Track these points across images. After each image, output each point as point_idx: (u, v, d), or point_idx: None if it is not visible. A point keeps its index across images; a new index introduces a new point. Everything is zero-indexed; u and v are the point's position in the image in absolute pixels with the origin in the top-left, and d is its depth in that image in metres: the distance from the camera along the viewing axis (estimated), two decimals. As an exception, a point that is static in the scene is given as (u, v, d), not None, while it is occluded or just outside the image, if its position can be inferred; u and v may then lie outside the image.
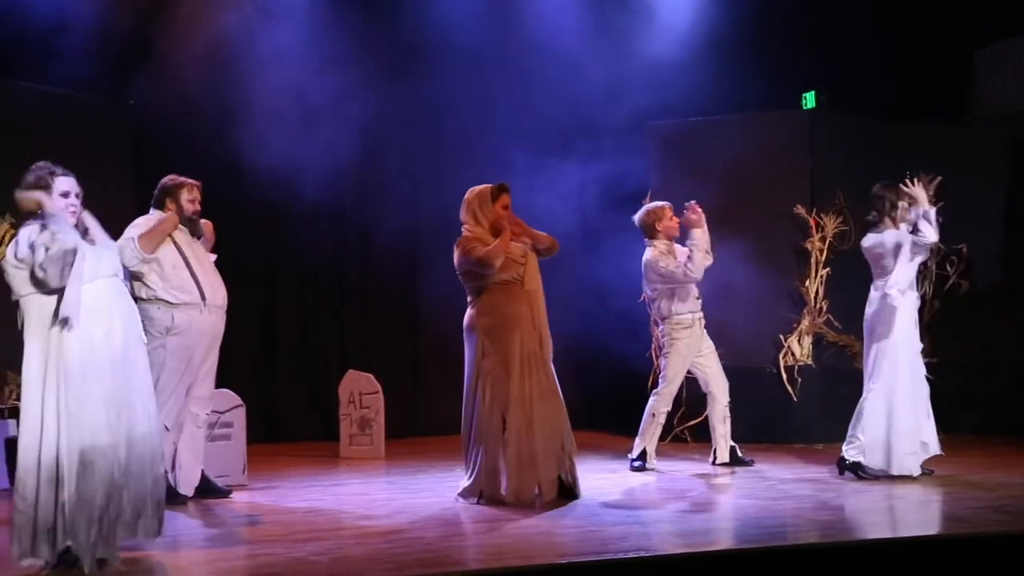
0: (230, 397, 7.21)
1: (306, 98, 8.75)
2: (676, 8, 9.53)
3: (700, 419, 8.59)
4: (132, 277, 6.30)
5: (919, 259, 6.99)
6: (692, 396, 8.32)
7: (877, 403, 6.89)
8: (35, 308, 4.70)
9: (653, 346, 9.18)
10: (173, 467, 6.46)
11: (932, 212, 6.91)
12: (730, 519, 6.03)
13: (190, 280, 6.48)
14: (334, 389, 8.82)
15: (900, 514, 6.09)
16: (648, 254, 7.58)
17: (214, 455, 6.88)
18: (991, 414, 9.07)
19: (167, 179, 6.67)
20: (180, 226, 6.58)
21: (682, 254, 7.52)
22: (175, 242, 6.54)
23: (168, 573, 4.87)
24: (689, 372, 7.72)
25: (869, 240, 7.03)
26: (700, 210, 7.33)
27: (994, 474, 7.10)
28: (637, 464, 7.54)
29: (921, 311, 7.15)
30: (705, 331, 7.66)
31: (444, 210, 9.32)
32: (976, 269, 8.92)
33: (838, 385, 8.50)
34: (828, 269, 8.97)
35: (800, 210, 8.97)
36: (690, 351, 7.59)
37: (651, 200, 9.20)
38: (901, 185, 6.96)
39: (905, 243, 6.88)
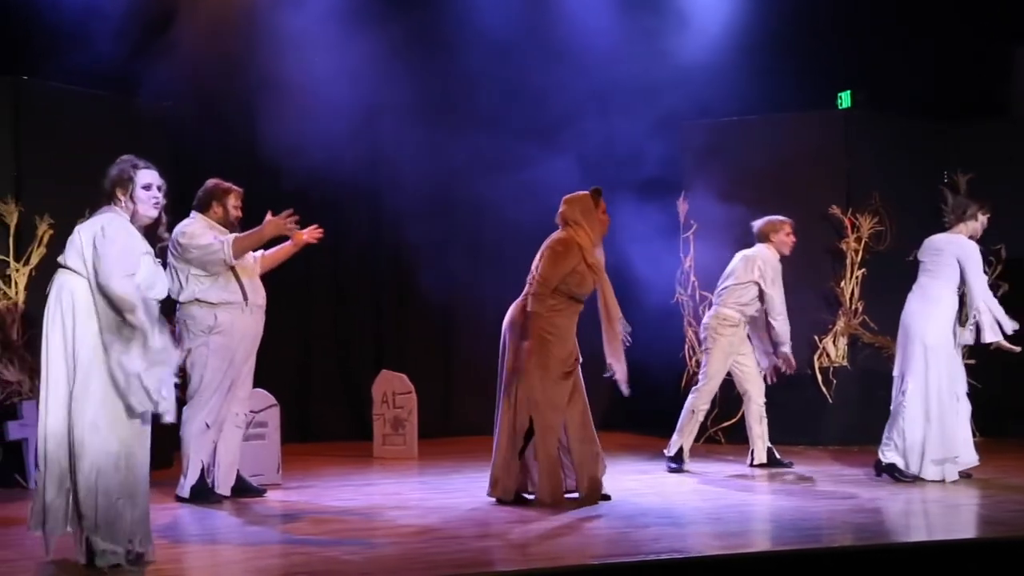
0: (265, 397, 7.25)
1: (341, 94, 8.78)
2: (709, 8, 9.48)
3: (734, 420, 8.56)
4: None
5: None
6: (726, 397, 8.28)
7: (915, 406, 6.84)
8: (69, 286, 4.69)
9: (686, 347, 9.15)
10: (213, 465, 6.50)
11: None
12: (765, 521, 6.00)
13: (233, 280, 6.52)
14: (367, 389, 8.84)
15: (937, 517, 6.04)
16: (762, 251, 7.59)
17: (249, 454, 6.91)
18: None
19: (212, 183, 6.69)
20: (216, 227, 6.63)
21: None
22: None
23: (204, 571, 4.90)
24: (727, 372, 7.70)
25: (943, 240, 6.98)
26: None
27: (1034, 477, 7.04)
28: (674, 466, 7.51)
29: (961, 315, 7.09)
30: (748, 332, 7.67)
31: (480, 209, 9.38)
32: (1015, 270, 8.80)
33: (874, 387, 8.42)
34: (864, 270, 8.90)
35: (835, 211, 8.91)
36: (732, 349, 7.61)
37: (685, 200, 9.21)
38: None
39: (972, 260, 6.85)
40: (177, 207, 7.51)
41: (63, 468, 4.65)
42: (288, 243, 6.87)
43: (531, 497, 6.31)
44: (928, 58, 9.71)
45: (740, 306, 7.59)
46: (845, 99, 9.27)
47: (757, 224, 7.76)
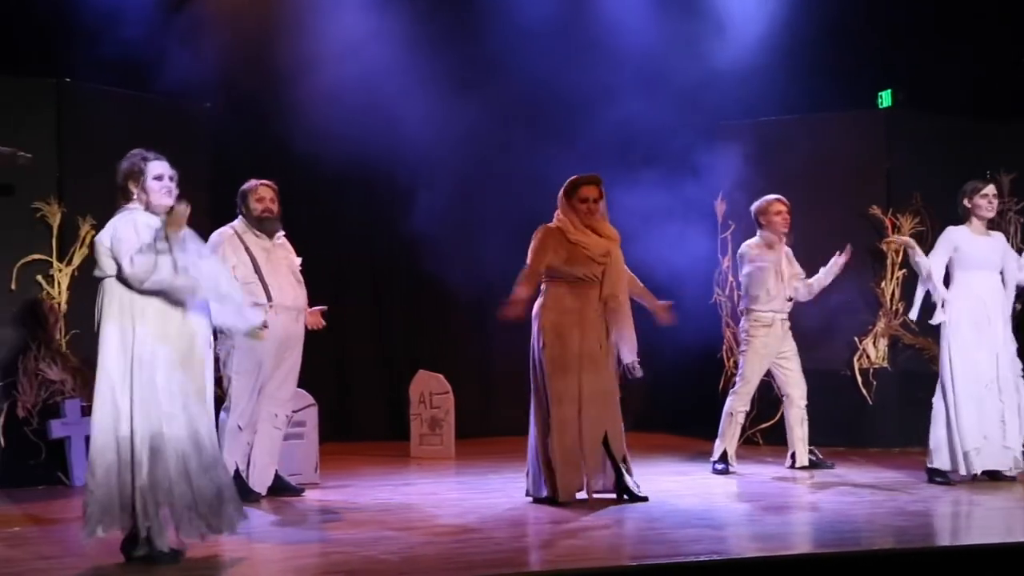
0: (303, 396, 7.28)
1: (378, 93, 8.80)
2: (748, 7, 9.43)
3: (773, 422, 8.50)
4: None
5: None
6: (764, 398, 8.22)
7: (937, 403, 6.87)
8: (118, 291, 4.79)
9: (724, 347, 9.10)
10: (247, 465, 6.54)
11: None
12: (804, 523, 5.96)
13: (256, 282, 6.57)
14: (405, 389, 8.86)
15: (980, 520, 5.97)
16: (743, 245, 7.56)
17: (287, 454, 6.94)
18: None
19: (243, 186, 6.81)
20: (250, 227, 6.69)
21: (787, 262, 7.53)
22: (245, 244, 6.64)
23: (242, 569, 4.93)
24: (768, 373, 7.64)
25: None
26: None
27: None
28: (720, 467, 7.46)
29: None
30: (789, 333, 7.59)
31: (516, 207, 9.35)
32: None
33: (914, 388, 8.34)
34: (904, 270, 8.81)
35: (876, 211, 8.83)
36: (767, 350, 7.51)
37: (723, 201, 9.16)
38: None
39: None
40: (216, 207, 7.61)
41: (129, 468, 4.72)
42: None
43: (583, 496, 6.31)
44: (970, 56, 9.61)
45: (760, 304, 7.49)
46: (886, 98, 9.19)
47: (752, 208, 7.73)
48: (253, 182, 6.79)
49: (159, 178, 4.93)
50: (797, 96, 9.30)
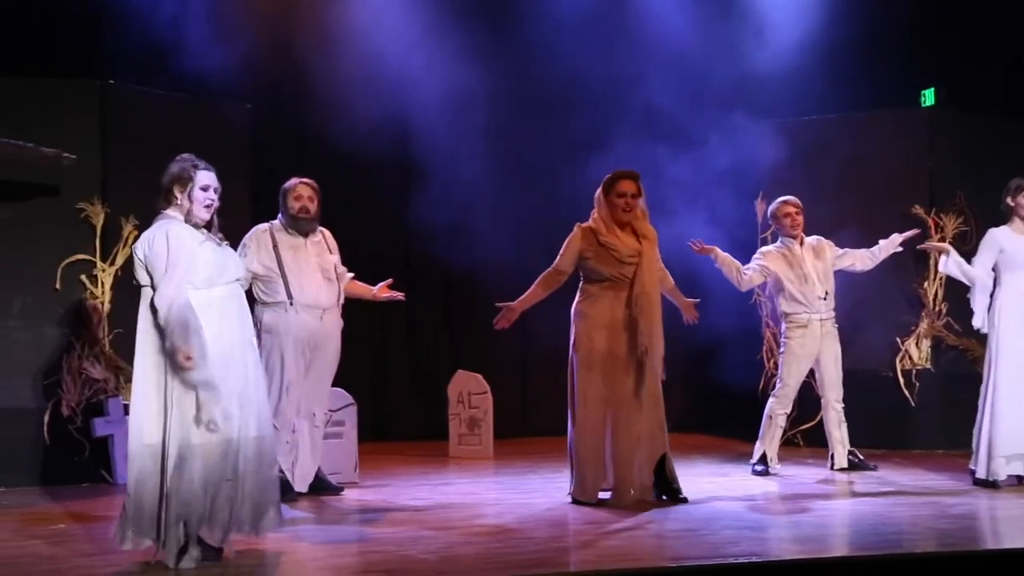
0: (342, 396, 7.31)
1: (416, 90, 8.82)
2: (790, 6, 9.36)
3: (813, 423, 8.44)
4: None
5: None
6: (805, 399, 8.15)
7: (981, 406, 6.78)
8: (148, 301, 4.83)
9: (764, 347, 9.04)
10: (292, 464, 6.57)
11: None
12: (845, 525, 5.91)
13: (279, 279, 6.60)
14: (443, 389, 8.87)
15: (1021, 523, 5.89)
16: (758, 251, 7.56)
17: (326, 452, 6.97)
18: None
19: (286, 182, 6.87)
20: (285, 226, 6.72)
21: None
22: (275, 241, 6.68)
23: (281, 567, 4.95)
24: (810, 374, 7.58)
25: None
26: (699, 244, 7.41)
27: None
28: (760, 468, 7.42)
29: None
30: (833, 333, 7.49)
31: (553, 205, 9.34)
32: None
33: (957, 390, 8.26)
34: (948, 271, 8.71)
35: (918, 210, 8.74)
36: (804, 351, 7.43)
37: (763, 199, 9.10)
38: None
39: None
40: (256, 207, 7.67)
41: (160, 475, 4.74)
42: (372, 289, 7.03)
43: (606, 496, 6.30)
44: (1014, 54, 9.50)
45: (790, 305, 7.44)
46: (929, 97, 9.10)
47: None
48: (293, 180, 6.83)
49: (205, 189, 4.94)
50: (839, 95, 9.23)
